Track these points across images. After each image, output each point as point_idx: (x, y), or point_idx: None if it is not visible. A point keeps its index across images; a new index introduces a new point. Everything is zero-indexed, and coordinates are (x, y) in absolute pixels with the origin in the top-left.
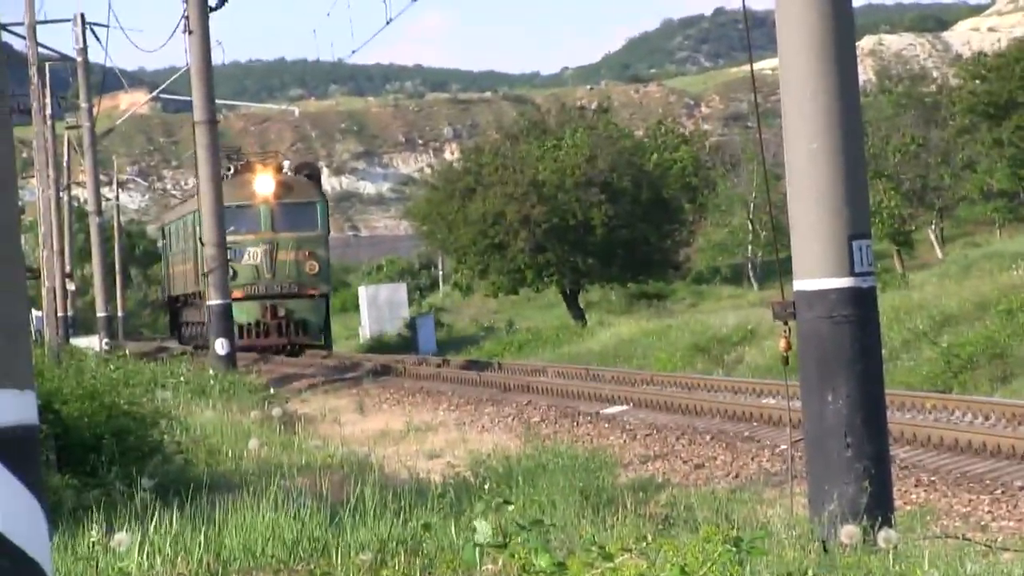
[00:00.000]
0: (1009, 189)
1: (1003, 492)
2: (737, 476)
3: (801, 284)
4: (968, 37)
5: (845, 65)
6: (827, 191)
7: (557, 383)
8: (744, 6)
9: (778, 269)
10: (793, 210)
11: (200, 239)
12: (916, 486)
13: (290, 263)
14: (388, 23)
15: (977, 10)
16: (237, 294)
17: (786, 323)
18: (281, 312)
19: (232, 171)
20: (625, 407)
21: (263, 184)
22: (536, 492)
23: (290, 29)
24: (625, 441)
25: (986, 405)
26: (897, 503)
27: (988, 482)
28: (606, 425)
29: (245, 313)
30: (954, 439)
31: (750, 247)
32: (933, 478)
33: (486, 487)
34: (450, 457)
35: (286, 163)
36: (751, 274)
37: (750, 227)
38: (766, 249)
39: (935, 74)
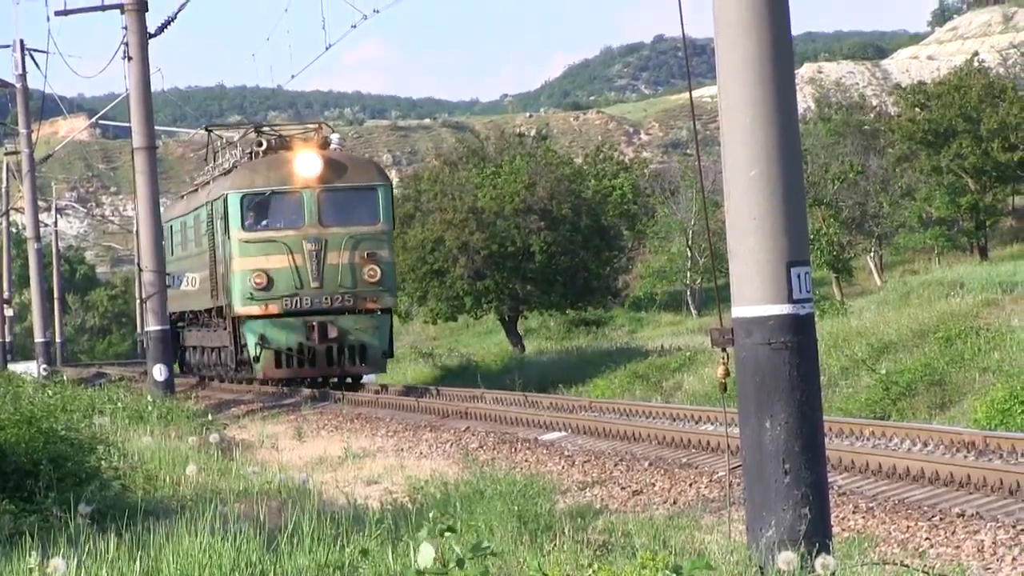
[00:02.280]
0: (947, 217)
1: (941, 519)
2: (675, 503)
3: (739, 311)
4: (907, 65)
5: (784, 93)
6: (766, 218)
7: (495, 409)
8: (684, 34)
9: (716, 296)
10: (732, 237)
11: (227, 232)
12: (854, 512)
13: (343, 268)
14: (327, 49)
15: (916, 38)
16: (272, 309)
17: (724, 350)
18: (332, 333)
19: (263, 147)
20: (563, 433)
21: (306, 163)
22: (474, 518)
23: (229, 55)
24: (563, 467)
25: (924, 432)
26: (835, 529)
27: (926, 509)
28: (544, 451)
29: (283, 335)
30: (892, 466)
31: (689, 274)
32: (871, 505)
33: (431, 514)
34: (388, 483)
35: (334, 137)
36: (690, 301)
37: (689, 254)
38: (705, 276)
39: (874, 102)
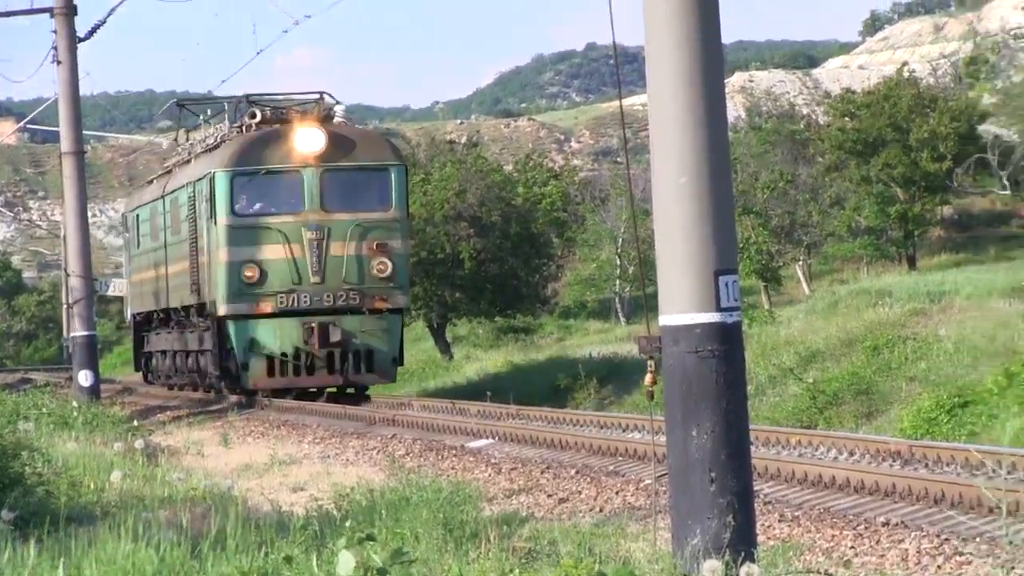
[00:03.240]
0: (876, 226)
1: (866, 528)
2: (601, 510)
3: (667, 319)
4: (838, 75)
5: (714, 101)
6: (694, 226)
7: (422, 417)
8: (615, 42)
9: (644, 304)
10: (660, 245)
11: (213, 217)
12: (779, 521)
13: (349, 260)
14: (258, 54)
15: (847, 48)
16: (264, 307)
17: (652, 358)
18: (335, 336)
19: (257, 119)
20: (490, 441)
21: (307, 138)
22: (399, 526)
23: (160, 60)
24: (490, 475)
25: (850, 441)
26: (760, 538)
27: (851, 518)
28: (471, 459)
29: (277, 338)
30: (818, 474)
31: (618, 282)
32: (797, 513)
33: (348, 520)
34: (314, 490)
35: (339, 108)
36: (619, 309)
37: (618, 262)
38: (634, 284)
39: (805, 111)
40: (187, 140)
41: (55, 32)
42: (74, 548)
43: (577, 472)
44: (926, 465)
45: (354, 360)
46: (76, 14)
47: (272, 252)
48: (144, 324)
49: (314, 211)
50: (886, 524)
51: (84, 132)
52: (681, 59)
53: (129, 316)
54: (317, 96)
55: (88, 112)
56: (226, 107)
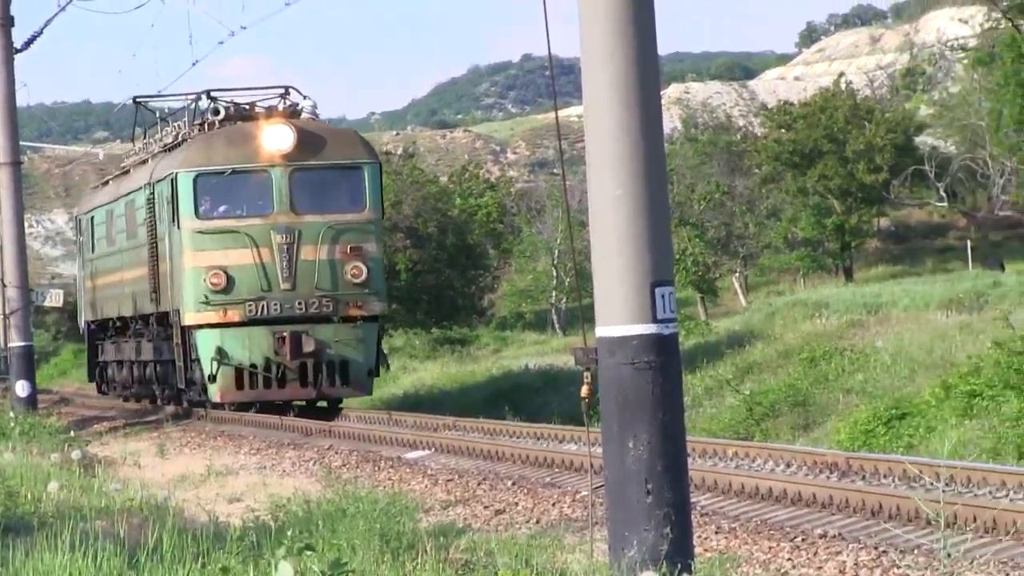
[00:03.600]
0: (813, 238)
1: (803, 540)
2: (538, 522)
3: (603, 330)
4: (774, 86)
5: (650, 113)
6: (630, 238)
7: (359, 428)
8: (550, 53)
9: (581, 315)
10: (596, 256)
11: (175, 220)
12: (716, 533)
13: (321, 265)
14: (194, 65)
15: (784, 59)
16: (232, 315)
17: (588, 369)
18: (307, 346)
19: (221, 115)
20: (427, 452)
21: (275, 136)
22: (336, 537)
23: (96, 71)
24: (426, 486)
25: (787, 453)
26: (697, 550)
27: (788, 529)
28: (407, 470)
29: (246, 347)
30: (755, 486)
31: (554, 293)
32: (734, 525)
33: (287, 532)
34: (250, 501)
35: (307, 103)
36: (555, 320)
37: (554, 273)
38: (570, 295)
39: (741, 123)
40: (144, 139)
41: None
42: (11, 559)
43: (514, 483)
44: (863, 477)
45: (328, 371)
46: (13, 25)
47: (239, 257)
48: (99, 332)
49: (283, 213)
50: (823, 536)
51: (21, 143)
52: (617, 70)
53: (83, 324)
54: (282, 91)
55: (24, 123)
56: (186, 104)
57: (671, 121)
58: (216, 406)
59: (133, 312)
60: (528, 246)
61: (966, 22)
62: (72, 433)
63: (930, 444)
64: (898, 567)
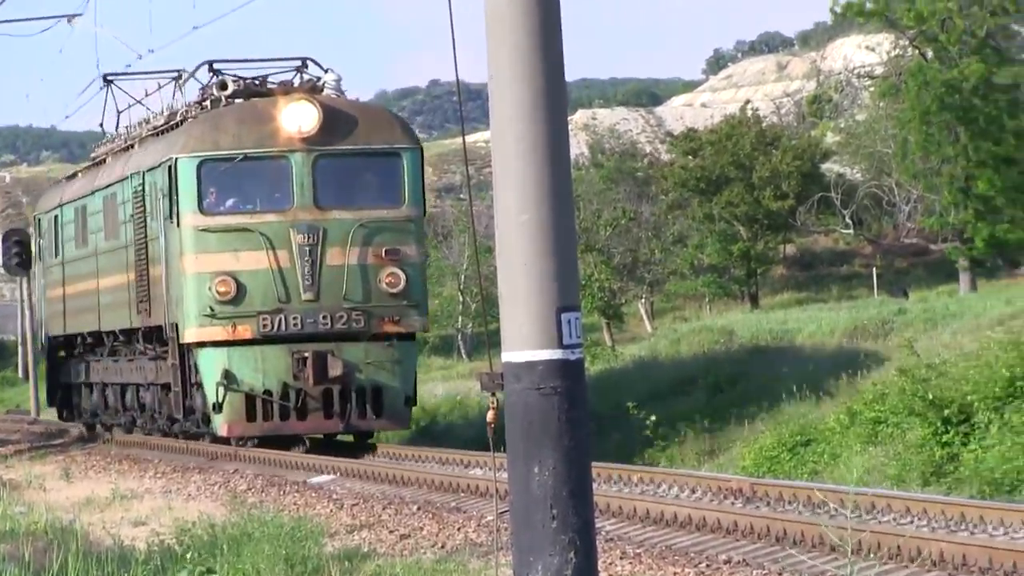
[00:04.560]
0: (719, 264)
1: (707, 565)
2: (443, 547)
3: (509, 355)
4: (681, 112)
5: (556, 138)
6: (536, 263)
7: (265, 452)
8: (458, 79)
9: (487, 341)
10: (502, 282)
11: (173, 215)
12: (621, 558)
13: (351, 271)
14: (101, 89)
15: (690, 86)
16: (243, 331)
17: (494, 394)
18: (334, 369)
19: (229, 90)
20: (332, 476)
21: (297, 114)
22: (241, 561)
23: (3, 93)
24: (331, 510)
25: (692, 479)
26: (602, 575)
27: (693, 555)
28: (313, 494)
29: (259, 370)
30: (660, 512)
31: (460, 318)
32: (638, 550)
33: (189, 555)
34: (155, 525)
35: (330, 78)
36: (461, 345)
37: (461, 298)
38: (476, 320)
39: (647, 149)
40: (117, 125)
41: None
42: None
43: (419, 508)
44: (768, 503)
45: (358, 400)
46: None
47: (252, 261)
48: (63, 349)
49: (305, 208)
50: (728, 562)
51: None
52: (524, 96)
53: (42, 339)
54: (299, 63)
55: None
56: (181, 77)
57: (578, 147)
58: (224, 440)
59: (111, 326)
60: (434, 271)
61: (873, 50)
62: None
63: (835, 470)
64: None
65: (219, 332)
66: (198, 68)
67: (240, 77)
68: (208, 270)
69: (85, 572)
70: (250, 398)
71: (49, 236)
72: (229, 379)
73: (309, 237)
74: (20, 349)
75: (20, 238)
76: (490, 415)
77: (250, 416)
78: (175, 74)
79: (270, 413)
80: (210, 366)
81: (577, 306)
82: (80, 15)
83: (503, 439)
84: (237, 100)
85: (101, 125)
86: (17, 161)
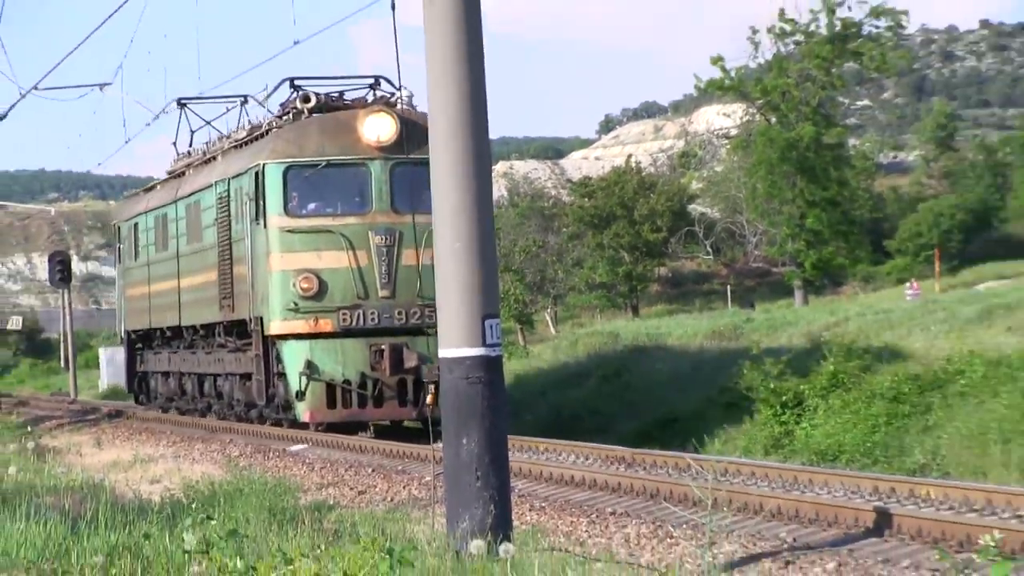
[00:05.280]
0: (607, 282)
1: (597, 516)
2: (392, 500)
3: (445, 352)
4: (579, 164)
5: (483, 183)
6: (466, 280)
7: (254, 427)
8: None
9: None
10: (439, 294)
11: (260, 217)
12: (530, 510)
13: (425, 270)
14: (127, 143)
15: (587, 143)
16: (324, 325)
17: (433, 383)
18: (409, 361)
19: (312, 103)
20: (306, 446)
21: (376, 125)
22: (234, 510)
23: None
24: (305, 472)
25: (586, 449)
26: (516, 523)
27: (586, 508)
28: (291, 459)
29: (339, 361)
30: (560, 475)
31: None
32: (544, 504)
33: (194, 506)
34: (167, 482)
35: (406, 94)
36: None
37: None
38: None
39: (553, 192)
40: (190, 142)
41: None
42: None
43: (373, 471)
44: (645, 468)
45: (434, 389)
46: None
47: (333, 260)
48: (141, 342)
49: (383, 212)
50: (613, 514)
51: None
52: (458, 151)
53: (123, 333)
54: (372, 81)
55: None
56: (267, 89)
57: (499, 191)
58: (305, 426)
59: (193, 321)
60: None
61: (729, 116)
62: (28, 428)
63: (697, 443)
64: (672, 538)
65: (302, 325)
66: (280, 84)
67: (319, 93)
68: (292, 268)
69: (112, 519)
70: (330, 387)
71: (129, 242)
72: (311, 369)
73: (386, 239)
74: (61, 344)
75: (62, 258)
76: (430, 398)
77: (330, 403)
78: (241, 98)
79: (349, 401)
80: (293, 357)
81: (497, 314)
82: (109, 84)
83: (441, 417)
84: (316, 113)
85: (174, 144)
86: (60, 198)
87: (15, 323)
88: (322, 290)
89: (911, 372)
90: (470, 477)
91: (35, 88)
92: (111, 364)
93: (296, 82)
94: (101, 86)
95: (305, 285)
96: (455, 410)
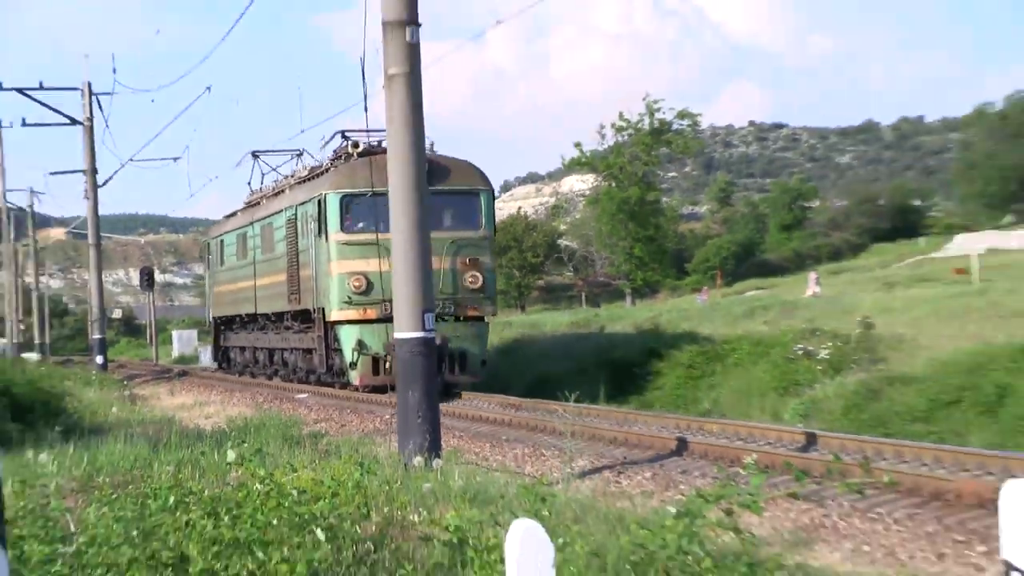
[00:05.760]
0: (504, 289)
1: (496, 443)
2: (363, 431)
3: (398, 334)
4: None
5: (422, 222)
6: (413, 283)
7: (275, 383)
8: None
9: (392, 327)
10: (395, 292)
11: (322, 233)
12: (453, 438)
13: (445, 273)
14: (191, 196)
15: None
16: (370, 313)
17: (389, 354)
18: (436, 340)
19: (360, 148)
20: (307, 395)
21: None
22: (260, 437)
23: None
24: (307, 412)
25: (493, 398)
26: (443, 446)
27: (489, 437)
28: (298, 404)
29: (381, 340)
30: (477, 415)
31: None
32: (461, 434)
33: (233, 434)
34: (216, 419)
35: (428, 142)
36: None
37: None
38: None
39: None
40: (262, 181)
41: (85, 178)
42: (92, 446)
43: (352, 411)
44: (528, 411)
45: (449, 362)
46: (97, 172)
47: (377, 265)
48: (224, 325)
49: None
50: (507, 440)
51: (101, 233)
52: (408, 200)
53: (210, 319)
54: None
55: (105, 223)
56: (324, 139)
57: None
58: (356, 388)
59: (266, 310)
60: None
61: (585, 182)
62: (125, 382)
63: (562, 395)
64: (544, 456)
65: (354, 314)
66: (334, 135)
67: (354, 142)
68: (347, 271)
69: (179, 442)
70: (375, 359)
71: (216, 254)
72: (361, 346)
73: None
74: (148, 328)
75: (148, 272)
76: (389, 366)
77: (375, 372)
78: (298, 151)
79: (388, 369)
80: (347, 337)
81: (433, 308)
82: (179, 157)
83: (397, 377)
84: (362, 156)
85: (248, 183)
86: (146, 232)
87: (117, 313)
88: (369, 288)
89: (702, 348)
90: (414, 416)
91: (130, 160)
92: (179, 341)
93: (346, 133)
94: (175, 159)
95: (356, 284)
96: (405, 372)
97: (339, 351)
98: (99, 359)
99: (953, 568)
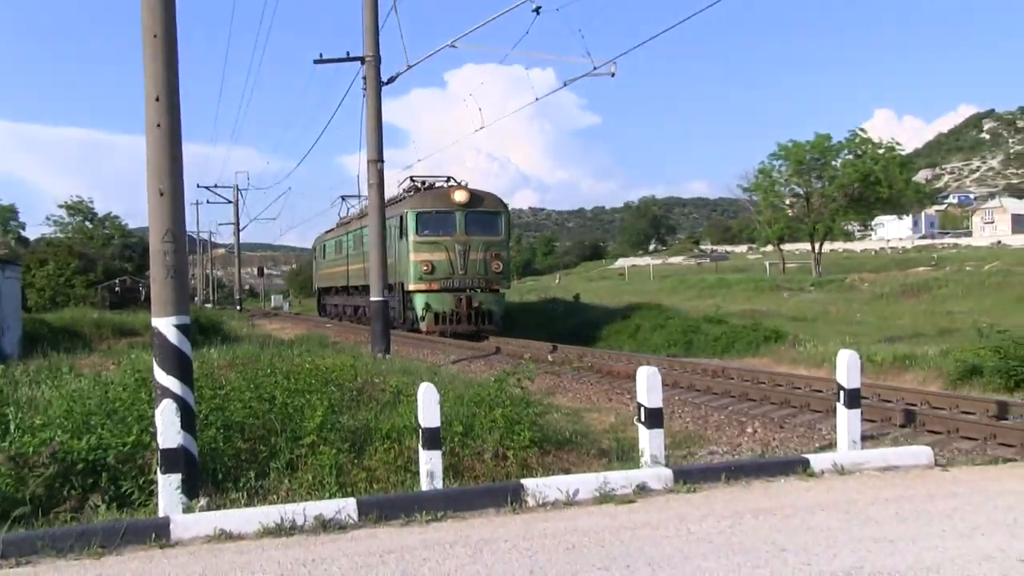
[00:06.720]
0: None
1: (432, 349)
2: (358, 342)
3: (372, 298)
4: None
5: (383, 256)
6: (376, 276)
7: (322, 320)
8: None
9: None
10: (371, 279)
11: (404, 237)
12: (402, 346)
13: (479, 262)
14: (252, 220)
15: None
16: (434, 286)
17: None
18: (473, 303)
19: (427, 185)
20: (330, 325)
21: (458, 194)
22: (308, 345)
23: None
24: (332, 332)
25: (453, 344)
26: (394, 349)
27: (423, 346)
28: (327, 328)
29: (442, 303)
30: (418, 339)
31: None
32: (405, 343)
33: (296, 342)
34: (287, 335)
35: (465, 181)
36: None
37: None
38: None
39: None
40: (346, 211)
41: (364, 77)
42: (232, 346)
43: (353, 334)
44: (499, 352)
45: (480, 317)
46: (380, 63)
47: (439, 256)
48: (324, 293)
49: (461, 234)
50: (426, 347)
51: (242, 252)
52: (377, 244)
53: (316, 289)
54: (447, 178)
55: (243, 246)
56: (401, 183)
57: None
58: (426, 334)
59: (356, 283)
60: None
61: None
62: (248, 318)
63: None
64: (439, 353)
65: (423, 286)
66: (406, 179)
67: (417, 183)
68: (420, 259)
69: (272, 345)
70: (437, 315)
71: (320, 251)
72: (427, 307)
73: (463, 246)
74: (261, 294)
75: (261, 268)
76: (447, 319)
77: (437, 322)
78: (402, 179)
79: (445, 322)
80: (419, 301)
81: (386, 286)
82: (275, 218)
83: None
84: (427, 189)
85: (339, 214)
86: (259, 249)
87: (247, 287)
88: (433, 270)
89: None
90: (379, 336)
91: (251, 220)
92: (275, 300)
93: (414, 177)
94: (271, 219)
95: (425, 268)
96: (374, 316)
97: (412, 309)
98: (237, 308)
99: (615, 403)
